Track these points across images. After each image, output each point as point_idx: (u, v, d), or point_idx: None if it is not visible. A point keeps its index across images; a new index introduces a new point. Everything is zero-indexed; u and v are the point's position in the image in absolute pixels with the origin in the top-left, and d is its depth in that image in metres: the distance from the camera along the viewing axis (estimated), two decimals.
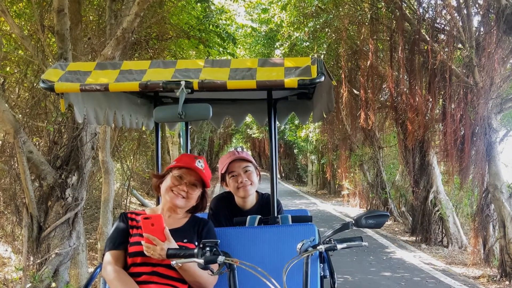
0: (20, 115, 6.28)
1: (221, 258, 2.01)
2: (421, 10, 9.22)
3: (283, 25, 12.85)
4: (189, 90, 2.07)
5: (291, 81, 2.08)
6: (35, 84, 6.30)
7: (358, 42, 11.60)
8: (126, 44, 4.96)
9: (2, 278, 6.00)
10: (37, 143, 5.99)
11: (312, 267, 2.35)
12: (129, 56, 7.80)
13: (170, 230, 2.21)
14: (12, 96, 7.05)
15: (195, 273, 2.20)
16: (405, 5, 9.25)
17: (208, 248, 2.03)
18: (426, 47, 8.71)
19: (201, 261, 1.99)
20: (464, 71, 7.92)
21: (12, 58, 7.24)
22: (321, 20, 11.00)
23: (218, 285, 2.35)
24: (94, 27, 7.65)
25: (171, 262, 2.05)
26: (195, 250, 2.03)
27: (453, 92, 8.08)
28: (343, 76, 11.76)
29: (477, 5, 8.12)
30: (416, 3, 9.42)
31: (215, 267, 2.10)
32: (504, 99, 7.71)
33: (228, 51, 10.83)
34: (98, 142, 5.90)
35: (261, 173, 3.20)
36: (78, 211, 4.97)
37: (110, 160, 6.46)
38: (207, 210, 2.98)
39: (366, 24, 10.56)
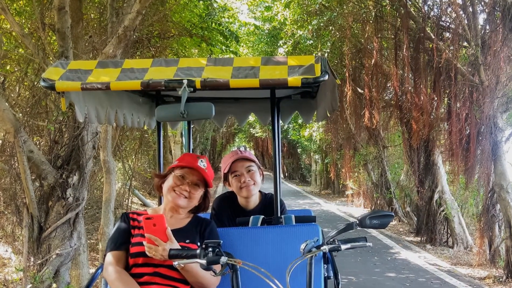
0: (20, 114, 6.27)
1: (223, 259, 2.00)
2: (426, 8, 9.17)
3: (287, 23, 12.80)
4: (192, 89, 2.06)
5: (294, 80, 2.06)
6: (35, 83, 6.29)
7: (362, 40, 11.55)
8: (128, 43, 4.93)
9: (3, 279, 5.99)
10: (37, 143, 5.97)
11: (316, 267, 2.34)
12: (131, 55, 7.79)
13: (172, 231, 2.19)
14: (12, 95, 7.04)
15: (197, 274, 2.18)
16: (410, 2, 9.20)
17: (210, 249, 2.01)
18: (431, 45, 8.65)
19: (204, 261, 1.98)
20: (470, 69, 7.88)
21: (13, 57, 7.23)
22: (325, 18, 10.96)
23: (220, 286, 2.33)
24: (95, 25, 7.63)
25: (173, 263, 2.04)
26: (198, 251, 2.01)
27: (458, 90, 8.04)
28: (347, 74, 11.72)
29: (482, 3, 8.05)
30: (421, 1, 9.36)
31: (217, 267, 2.09)
32: (510, 97, 7.66)
33: (231, 49, 10.79)
34: (99, 141, 5.88)
35: (264, 172, 3.17)
36: (79, 211, 4.95)
37: (111, 160, 6.43)
38: (209, 210, 2.95)
39: (371, 22, 10.51)
